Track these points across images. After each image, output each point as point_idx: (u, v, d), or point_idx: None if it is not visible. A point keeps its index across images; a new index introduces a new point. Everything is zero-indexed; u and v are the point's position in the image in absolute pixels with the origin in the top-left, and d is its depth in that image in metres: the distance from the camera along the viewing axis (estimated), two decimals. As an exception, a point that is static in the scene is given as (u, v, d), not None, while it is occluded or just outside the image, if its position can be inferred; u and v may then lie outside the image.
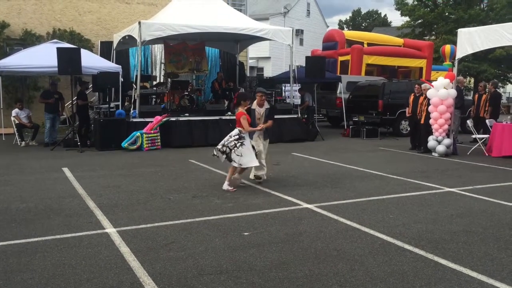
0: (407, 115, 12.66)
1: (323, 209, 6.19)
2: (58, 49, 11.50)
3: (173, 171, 9.08)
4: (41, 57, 12.15)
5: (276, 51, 34.61)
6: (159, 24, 12.58)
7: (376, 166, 9.65)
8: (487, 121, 12.43)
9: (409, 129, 14.18)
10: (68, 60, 11.32)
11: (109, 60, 14.41)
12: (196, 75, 17.00)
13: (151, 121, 12.11)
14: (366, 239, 4.99)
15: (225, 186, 7.24)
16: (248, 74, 24.15)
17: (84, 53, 12.38)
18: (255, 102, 7.71)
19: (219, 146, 7.21)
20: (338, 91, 17.95)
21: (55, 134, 12.85)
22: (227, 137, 7.26)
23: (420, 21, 33.59)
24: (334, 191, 7.30)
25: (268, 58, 35.00)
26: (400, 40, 24.90)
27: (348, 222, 5.59)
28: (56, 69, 11.46)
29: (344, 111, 16.79)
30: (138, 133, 11.72)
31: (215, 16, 13.76)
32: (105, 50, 16.24)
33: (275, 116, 8.37)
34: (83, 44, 16.51)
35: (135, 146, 11.70)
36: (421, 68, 22.90)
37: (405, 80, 18.08)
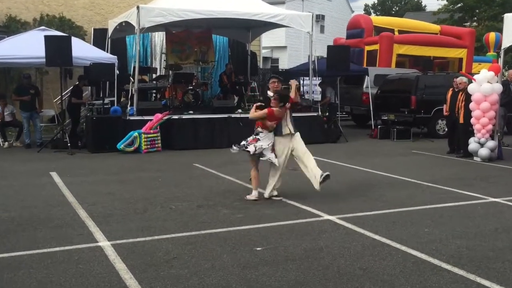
0: (445, 113, 12.55)
1: (347, 221, 6.16)
2: (46, 37, 11.62)
3: (175, 176, 9.10)
4: (27, 47, 12.27)
5: (293, 39, 34.57)
6: (160, 9, 12.65)
7: (409, 172, 9.59)
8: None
9: (446, 129, 14.05)
10: (57, 49, 11.42)
11: (104, 50, 14.51)
12: (202, 67, 17.04)
13: (151, 120, 12.17)
14: (396, 257, 4.95)
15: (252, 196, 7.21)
16: (261, 66, 24.21)
17: (75, 42, 12.48)
18: (269, 90, 7.57)
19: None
20: (364, 86, 17.87)
21: (39, 134, 12.96)
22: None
23: (459, 5, 33.38)
24: (359, 201, 7.26)
25: (284, 47, 34.96)
26: (436, 27, 24.71)
27: (376, 237, 5.56)
28: (44, 60, 11.57)
29: (371, 109, 16.70)
30: (135, 133, 11.79)
31: (223, -1, 13.80)
32: (99, 38, 16.35)
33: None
34: (74, 32, 16.67)
35: (132, 148, 11.76)
36: (460, 59, 22.69)
37: (442, 73, 17.93)
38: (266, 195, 7.30)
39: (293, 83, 7.60)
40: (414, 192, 7.93)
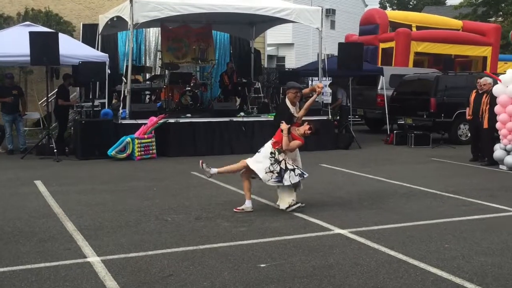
0: (467, 117, 12.53)
1: (359, 235, 6.16)
2: (31, 33, 11.67)
3: (172, 186, 9.11)
4: (10, 44, 12.31)
5: (301, 36, 34.62)
6: (156, 2, 12.68)
7: (428, 181, 9.57)
8: None
9: (469, 135, 14.01)
10: (43, 47, 11.46)
11: (94, 47, 14.57)
12: (201, 66, 17.09)
13: (145, 124, 12.19)
14: (414, 275, 4.94)
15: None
16: (265, 65, 24.22)
17: (63, 38, 12.53)
18: (287, 99, 7.65)
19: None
20: (379, 87, 17.86)
21: (23, 139, 12.99)
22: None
23: (483, -2, 33.39)
24: (373, 213, 7.26)
25: (291, 45, 35.04)
26: (458, 23, 24.73)
27: (392, 253, 5.55)
28: (28, 58, 11.61)
29: (386, 112, 16.69)
30: (128, 138, 11.80)
31: (225, -8, 13.84)
32: (89, 35, 16.43)
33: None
34: (61, 28, 16.73)
35: (124, 155, 11.78)
36: (484, 58, 22.68)
37: (464, 73, 17.90)
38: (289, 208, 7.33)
39: (318, 89, 7.62)
40: (434, 203, 7.93)
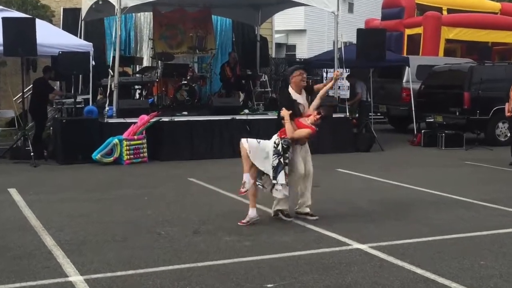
0: (507, 114, 12.49)
1: (381, 250, 6.15)
2: (4, 20, 11.67)
3: (165, 194, 9.13)
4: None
5: (314, 21, 34.57)
6: (147, -18, 12.73)
7: (460, 188, 9.56)
8: None
9: (509, 134, 13.97)
10: (18, 35, 11.46)
11: (76, 35, 14.61)
12: (199, 56, 17.12)
13: (135, 123, 12.20)
14: (445, 296, 4.94)
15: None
16: (273, 55, 24.21)
17: (41, 25, 12.52)
18: (290, 88, 7.49)
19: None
20: (404, 80, 17.82)
21: None
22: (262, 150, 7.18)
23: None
24: (397, 225, 7.25)
25: (303, 31, 34.97)
26: (496, 5, 24.61)
27: (419, 271, 5.54)
28: (1, 48, 11.65)
29: (413, 109, 16.65)
30: (115, 140, 11.81)
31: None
32: (70, 20, 16.49)
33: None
34: (39, 13, 16.77)
35: (111, 158, 11.80)
36: (527, 45, 22.62)
37: (503, 63, 17.83)
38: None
39: (336, 73, 7.65)
40: (467, 214, 7.91)
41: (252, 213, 7.20)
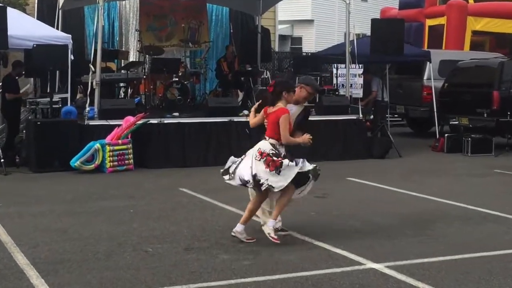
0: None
1: (399, 271, 6.13)
2: (-29, 9, 11.71)
3: (154, 206, 9.14)
4: None
5: (322, 10, 34.71)
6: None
7: (489, 200, 9.57)
8: None
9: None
10: (-13, 26, 11.50)
11: (53, 26, 14.60)
12: (192, 50, 17.11)
13: (119, 125, 12.21)
14: (473, 324, 4.91)
15: (268, 229, 7.09)
16: (276, 49, 24.25)
17: (13, 15, 12.54)
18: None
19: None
20: (425, 77, 17.84)
21: None
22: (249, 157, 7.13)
23: None
24: (417, 242, 7.25)
25: (310, 22, 35.08)
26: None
27: (443, 295, 5.52)
28: (-32, 41, 11.66)
29: (435, 110, 16.64)
30: (97, 145, 11.82)
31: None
32: (46, 9, 16.46)
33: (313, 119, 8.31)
34: (10, 1, 16.79)
35: (92, 166, 11.79)
36: None
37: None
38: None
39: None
40: (497, 229, 7.91)
41: (271, 224, 7.07)
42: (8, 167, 11.80)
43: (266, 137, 7.19)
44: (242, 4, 18.25)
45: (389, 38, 14.26)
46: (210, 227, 7.83)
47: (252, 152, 7.10)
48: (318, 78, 16.62)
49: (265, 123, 7.30)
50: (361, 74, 15.65)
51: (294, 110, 7.60)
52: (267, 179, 6.82)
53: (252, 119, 7.52)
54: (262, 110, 7.33)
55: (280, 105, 7.21)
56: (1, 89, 13.76)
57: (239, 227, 7.11)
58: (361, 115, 14.43)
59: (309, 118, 8.24)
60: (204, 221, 8.19)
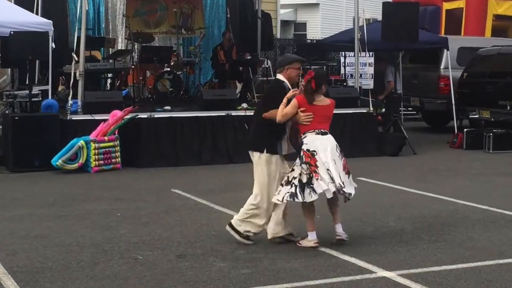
0: None
1: (413, 279, 6.13)
2: None
3: (144, 209, 9.12)
4: None
5: (329, -7, 34.71)
6: None
7: (513, 202, 9.57)
8: None
9: None
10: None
11: (32, 11, 14.60)
12: (185, 37, 17.11)
13: (105, 120, 12.23)
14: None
15: (305, 242, 7.23)
16: (278, 36, 24.22)
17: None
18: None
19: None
20: (442, 66, 17.83)
21: None
22: None
23: None
24: (434, 248, 7.23)
25: (316, 5, 35.06)
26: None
27: (460, 305, 5.59)
28: None
29: (453, 102, 16.67)
30: (81, 142, 11.81)
31: None
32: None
33: None
34: (-16, -17, 16.82)
35: (75, 165, 11.80)
36: None
37: None
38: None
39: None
40: (522, 233, 7.90)
41: (312, 236, 7.20)
42: (-18, 167, 11.86)
43: (326, 131, 7.30)
44: (240, -14, 18.29)
45: (402, 23, 14.23)
46: (206, 232, 7.79)
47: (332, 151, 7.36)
48: (325, 67, 16.63)
49: (302, 116, 7.17)
50: (371, 63, 15.68)
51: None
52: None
53: (283, 110, 7.13)
54: (294, 101, 7.13)
55: (323, 97, 7.30)
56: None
57: (311, 236, 7.20)
58: (371, 108, 14.43)
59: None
60: (199, 225, 8.15)
